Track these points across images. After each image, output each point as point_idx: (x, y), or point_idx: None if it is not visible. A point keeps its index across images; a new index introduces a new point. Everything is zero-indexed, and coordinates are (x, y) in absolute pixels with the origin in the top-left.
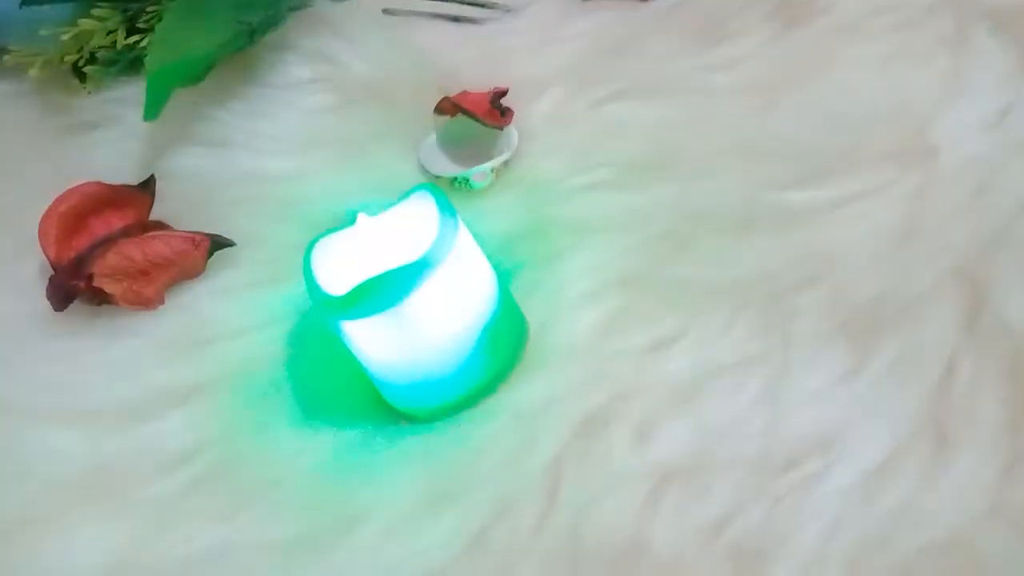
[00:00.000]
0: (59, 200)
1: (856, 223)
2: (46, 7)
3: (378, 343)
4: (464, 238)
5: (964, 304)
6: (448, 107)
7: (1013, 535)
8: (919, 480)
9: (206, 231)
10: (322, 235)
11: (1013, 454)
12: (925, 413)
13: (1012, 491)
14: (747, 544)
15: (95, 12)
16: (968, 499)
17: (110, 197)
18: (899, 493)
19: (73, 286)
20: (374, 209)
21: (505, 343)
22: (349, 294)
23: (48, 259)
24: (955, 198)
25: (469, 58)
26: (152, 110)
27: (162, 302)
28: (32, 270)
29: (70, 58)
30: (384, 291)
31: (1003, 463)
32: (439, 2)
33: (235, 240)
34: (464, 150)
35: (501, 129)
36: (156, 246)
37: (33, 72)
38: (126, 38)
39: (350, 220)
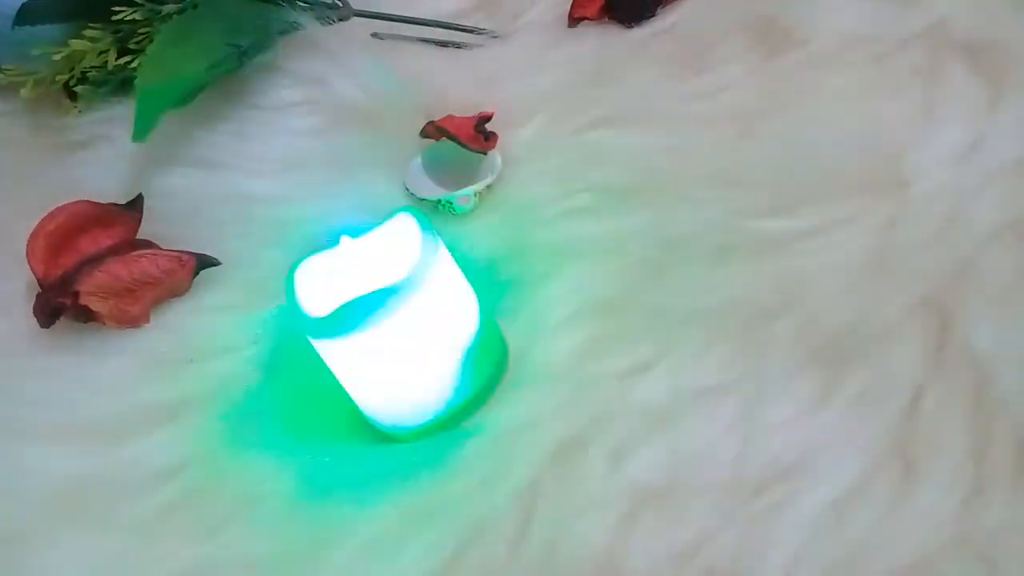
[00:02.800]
0: (47, 218)
1: (829, 252)
2: (38, 27)
3: (358, 364)
4: (446, 261)
5: (932, 333)
6: (433, 131)
7: (976, 563)
8: (885, 507)
9: (192, 250)
10: (305, 256)
11: (977, 483)
12: (892, 441)
13: (975, 519)
14: (718, 568)
15: (87, 33)
16: (932, 526)
17: (98, 216)
18: (865, 520)
19: (60, 303)
20: (357, 231)
21: (485, 366)
22: (331, 315)
23: (35, 276)
24: (925, 228)
25: (455, 83)
26: (141, 131)
27: (147, 320)
28: (19, 287)
29: (61, 78)
30: (365, 312)
31: (967, 491)
32: (426, 27)
33: (221, 260)
34: (448, 174)
35: (485, 153)
36: (143, 265)
37: (24, 92)
38: (117, 59)
39: (334, 241)
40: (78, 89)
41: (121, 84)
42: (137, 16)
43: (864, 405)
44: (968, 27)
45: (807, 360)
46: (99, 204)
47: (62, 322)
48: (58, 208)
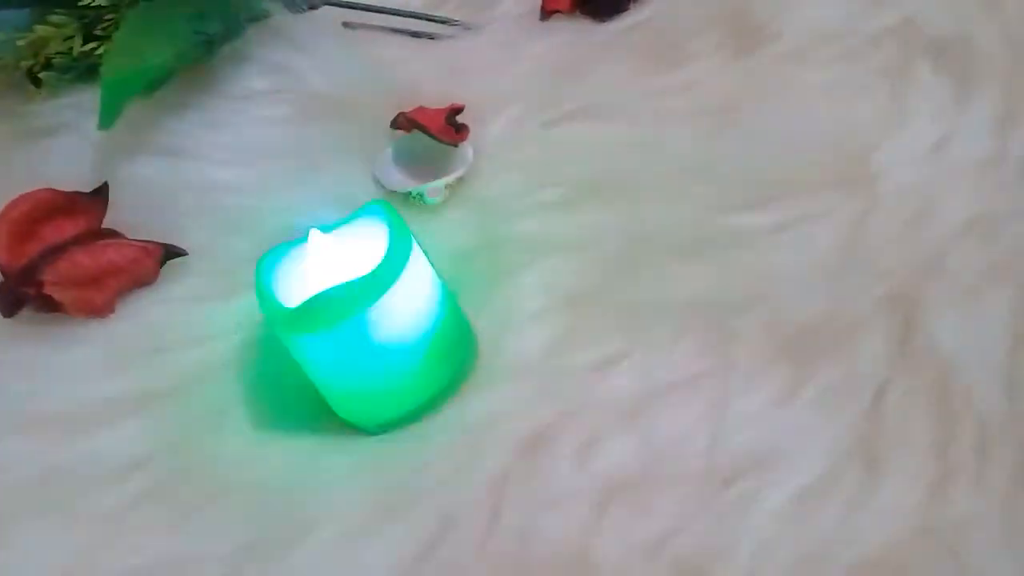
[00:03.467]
0: (11, 206)
1: (797, 247)
2: (2, 12)
3: (328, 356)
4: (415, 254)
5: (897, 328)
6: (404, 122)
7: (940, 553)
8: (851, 499)
9: (159, 240)
10: (275, 248)
11: (940, 475)
12: (857, 434)
13: (939, 511)
14: (687, 560)
15: (52, 19)
16: (898, 518)
17: (63, 204)
18: (832, 512)
19: (23, 293)
20: (327, 223)
21: (454, 358)
22: (300, 308)
23: None
24: (892, 225)
25: (427, 74)
26: (107, 118)
27: (112, 311)
28: None
29: (25, 64)
30: (335, 305)
31: (931, 484)
32: (398, 17)
33: (188, 250)
34: (419, 166)
35: (456, 146)
36: (108, 254)
37: None
38: (83, 45)
39: (303, 233)
40: (43, 75)
41: (87, 71)
42: (103, 2)
43: (831, 398)
44: (937, 25)
45: (775, 354)
46: (64, 192)
47: (25, 312)
48: (22, 196)
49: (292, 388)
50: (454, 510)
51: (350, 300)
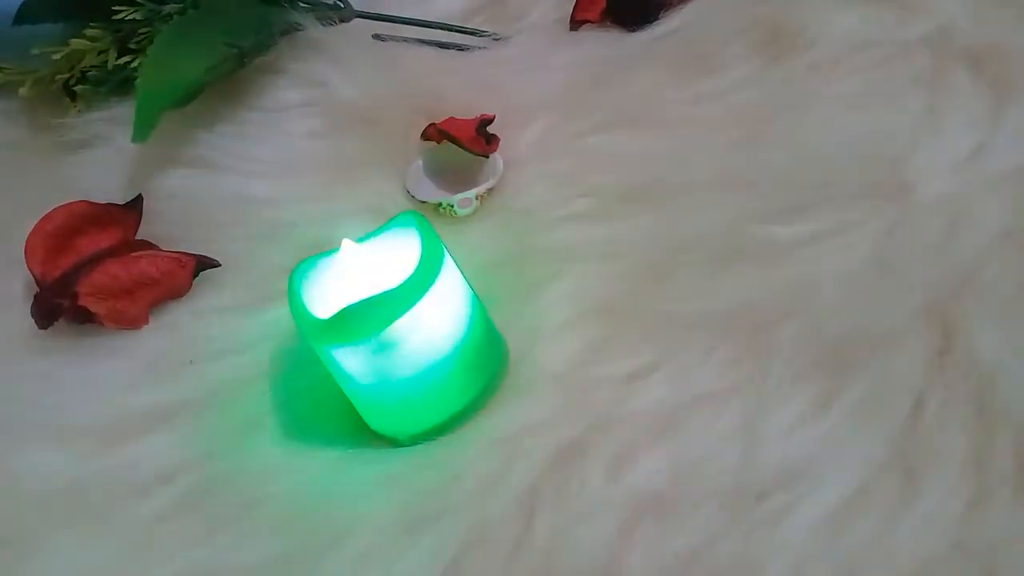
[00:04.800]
0: (46, 218)
1: (832, 258)
2: (38, 26)
3: (360, 366)
4: (446, 264)
5: (934, 341)
6: (434, 134)
7: (976, 571)
8: (886, 515)
9: (192, 252)
10: (307, 259)
11: (978, 491)
12: (893, 449)
13: (976, 527)
14: (718, 575)
15: (87, 32)
16: (933, 535)
17: (97, 216)
18: (866, 527)
19: (58, 304)
20: (359, 234)
21: (485, 370)
22: (332, 319)
23: (34, 276)
24: (927, 235)
25: (457, 85)
26: (141, 132)
27: (146, 322)
28: (17, 287)
29: (61, 77)
30: (367, 317)
31: (967, 500)
32: (428, 29)
33: (221, 261)
34: (449, 177)
35: (486, 157)
36: (141, 266)
37: (23, 90)
38: (117, 59)
39: (335, 244)
40: (77, 88)
41: (121, 84)
42: (137, 16)
43: (866, 412)
44: (971, 34)
45: (809, 366)
46: (98, 204)
47: (60, 323)
48: (57, 208)
49: (324, 399)
50: (484, 522)
51: (382, 311)
